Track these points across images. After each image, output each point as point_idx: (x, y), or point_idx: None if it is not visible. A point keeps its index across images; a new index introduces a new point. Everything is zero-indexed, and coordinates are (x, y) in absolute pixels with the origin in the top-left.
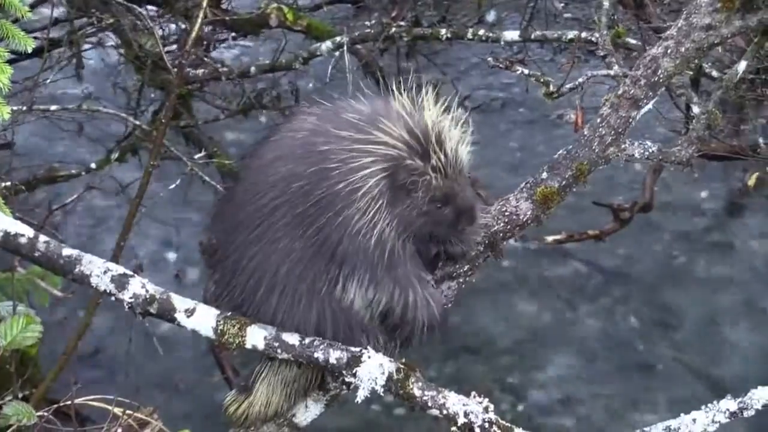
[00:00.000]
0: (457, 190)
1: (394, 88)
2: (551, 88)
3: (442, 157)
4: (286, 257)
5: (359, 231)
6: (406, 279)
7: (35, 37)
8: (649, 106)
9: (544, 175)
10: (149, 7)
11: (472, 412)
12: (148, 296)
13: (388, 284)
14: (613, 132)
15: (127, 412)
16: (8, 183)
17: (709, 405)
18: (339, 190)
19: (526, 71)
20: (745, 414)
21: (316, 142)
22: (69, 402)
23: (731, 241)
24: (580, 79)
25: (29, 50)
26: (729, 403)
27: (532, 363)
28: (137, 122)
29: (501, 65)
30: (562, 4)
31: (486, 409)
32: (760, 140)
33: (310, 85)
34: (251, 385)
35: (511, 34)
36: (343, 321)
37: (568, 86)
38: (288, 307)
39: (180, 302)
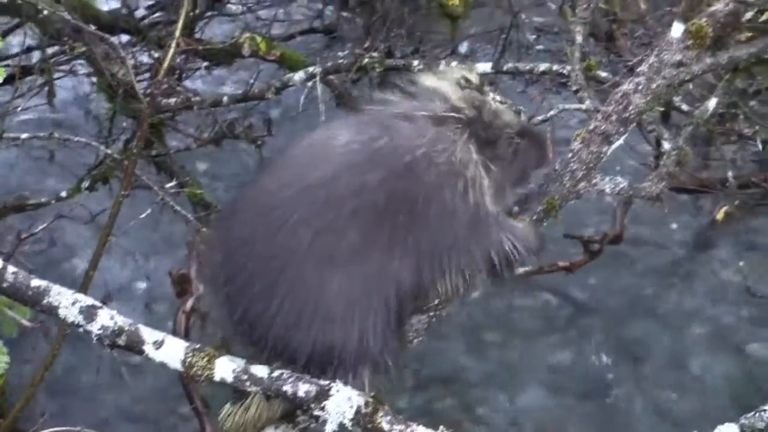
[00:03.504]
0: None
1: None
2: (523, 118)
3: (491, 99)
4: (353, 279)
5: (454, 212)
6: (496, 236)
7: (7, 65)
8: (620, 141)
9: (515, 209)
10: (122, 36)
11: None
12: (116, 328)
13: (479, 252)
14: (584, 167)
15: None
16: None
17: None
18: (432, 179)
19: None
20: None
21: (378, 145)
22: None
23: (700, 274)
24: (552, 111)
25: (0, 79)
26: None
27: (502, 395)
28: (108, 151)
29: None
30: (534, 36)
31: None
32: (729, 174)
33: (286, 114)
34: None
35: (484, 66)
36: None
37: (539, 118)
38: (340, 330)
39: (148, 334)
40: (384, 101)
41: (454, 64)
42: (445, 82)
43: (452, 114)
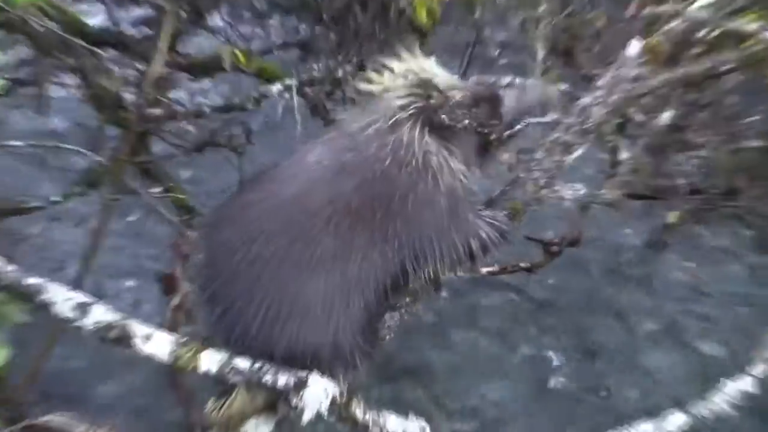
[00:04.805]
0: (471, 88)
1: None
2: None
3: (442, 78)
4: (331, 283)
5: (431, 201)
6: (472, 221)
7: (5, 78)
8: (580, 151)
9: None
10: (109, 49)
11: None
12: (108, 323)
13: (460, 238)
14: (546, 175)
15: (89, 430)
16: None
17: (627, 427)
18: (404, 179)
19: None
20: None
21: (347, 159)
22: (35, 421)
23: (653, 275)
24: (518, 126)
25: (3, 92)
26: (646, 426)
27: (467, 387)
28: (98, 158)
29: None
30: (498, 51)
31: (422, 429)
32: (680, 182)
33: (265, 123)
34: (230, 388)
35: None
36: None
37: (506, 133)
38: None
39: (138, 328)
40: (347, 116)
41: (394, 60)
42: (391, 80)
43: (404, 114)
